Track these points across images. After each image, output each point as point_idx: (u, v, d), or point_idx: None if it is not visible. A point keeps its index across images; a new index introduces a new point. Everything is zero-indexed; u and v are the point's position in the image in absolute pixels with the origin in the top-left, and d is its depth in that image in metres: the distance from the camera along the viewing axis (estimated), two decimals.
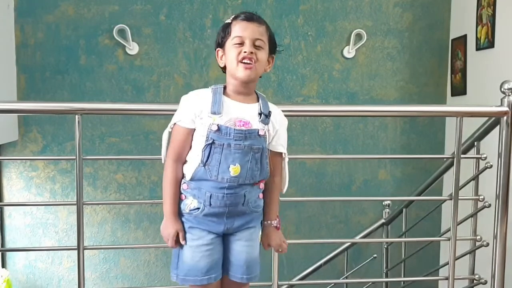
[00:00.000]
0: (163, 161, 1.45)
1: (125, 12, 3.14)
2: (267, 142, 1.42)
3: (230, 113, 1.37)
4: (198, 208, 1.38)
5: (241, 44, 1.36)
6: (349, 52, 3.30)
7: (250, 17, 1.39)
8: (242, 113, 1.38)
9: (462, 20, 3.20)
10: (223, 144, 1.35)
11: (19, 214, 3.19)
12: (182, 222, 1.42)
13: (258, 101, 1.43)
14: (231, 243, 1.44)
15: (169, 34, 3.19)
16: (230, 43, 1.38)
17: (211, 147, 1.35)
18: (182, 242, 1.41)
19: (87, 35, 3.13)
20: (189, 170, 1.39)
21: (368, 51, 3.35)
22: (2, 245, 3.19)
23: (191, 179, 1.39)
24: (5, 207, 3.17)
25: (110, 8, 3.13)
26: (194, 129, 1.39)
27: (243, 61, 1.35)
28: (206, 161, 1.35)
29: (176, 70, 3.21)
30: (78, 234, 1.79)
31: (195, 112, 1.37)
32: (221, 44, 1.42)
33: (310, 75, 3.33)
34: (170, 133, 1.43)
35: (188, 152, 1.41)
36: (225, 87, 1.42)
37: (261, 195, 1.46)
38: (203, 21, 3.20)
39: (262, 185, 1.45)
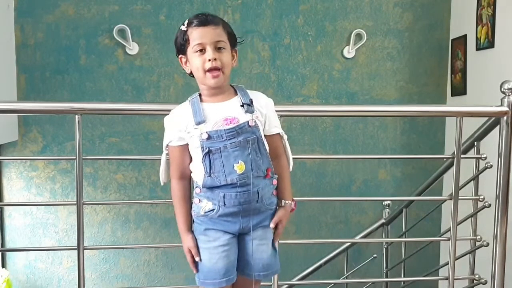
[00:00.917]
0: (162, 183, 1.48)
1: (125, 12, 3.14)
2: (261, 130, 1.40)
3: (214, 117, 1.37)
4: (213, 210, 1.39)
5: (203, 50, 1.35)
6: (349, 52, 3.30)
7: (205, 21, 1.36)
8: (225, 112, 1.38)
9: (462, 20, 3.20)
10: (220, 148, 1.35)
11: (19, 214, 3.19)
12: (198, 224, 1.44)
13: (236, 94, 1.42)
14: (247, 243, 1.44)
15: (169, 34, 3.18)
16: (191, 50, 1.37)
17: (209, 156, 1.35)
18: (197, 259, 1.43)
19: (87, 35, 3.13)
20: (198, 178, 1.40)
21: (368, 51, 3.35)
22: (2, 245, 3.19)
23: (203, 186, 1.39)
24: (5, 207, 3.17)
25: (110, 8, 3.13)
26: (187, 144, 1.40)
27: (207, 71, 1.35)
28: (210, 170, 1.36)
29: (176, 70, 3.20)
30: (78, 234, 1.78)
31: (181, 129, 1.38)
32: (182, 51, 1.41)
33: (310, 75, 3.33)
34: (167, 154, 1.44)
35: (189, 163, 1.42)
36: (200, 94, 1.42)
37: (275, 192, 1.46)
38: None
39: (275, 181, 1.45)
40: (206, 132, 1.34)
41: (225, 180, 1.35)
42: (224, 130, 1.35)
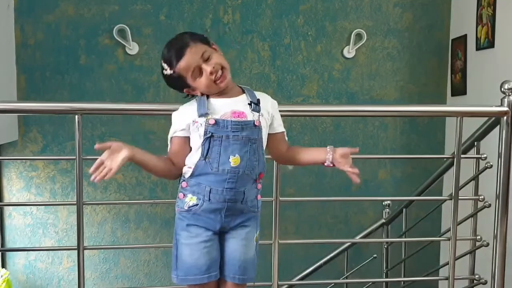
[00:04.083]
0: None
1: (125, 12, 3.14)
2: (263, 132, 1.44)
3: (222, 109, 1.41)
4: (197, 204, 1.40)
5: (199, 70, 1.40)
6: (349, 52, 3.30)
7: (181, 47, 1.42)
8: (234, 105, 1.42)
9: (462, 20, 3.20)
10: (222, 136, 1.38)
11: (19, 214, 3.19)
12: (180, 220, 1.44)
13: (243, 93, 1.47)
14: (226, 241, 1.45)
15: (169, 34, 3.14)
16: (191, 79, 1.41)
17: (210, 140, 1.38)
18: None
19: (87, 35, 3.13)
20: (191, 163, 1.41)
21: (368, 51, 3.35)
22: (2, 245, 3.19)
23: (191, 176, 1.41)
24: (5, 207, 3.17)
25: (110, 8, 3.13)
26: (189, 138, 1.42)
27: (216, 81, 1.39)
28: (207, 154, 1.38)
29: None
30: (78, 234, 1.79)
31: (187, 122, 1.41)
32: (185, 86, 1.45)
33: (310, 75, 3.33)
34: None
35: (182, 160, 1.43)
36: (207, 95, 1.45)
37: (259, 197, 1.48)
38: (203, 21, 3.20)
39: (259, 186, 1.47)
40: (214, 119, 1.38)
41: (217, 169, 1.37)
42: (231, 121, 1.39)
